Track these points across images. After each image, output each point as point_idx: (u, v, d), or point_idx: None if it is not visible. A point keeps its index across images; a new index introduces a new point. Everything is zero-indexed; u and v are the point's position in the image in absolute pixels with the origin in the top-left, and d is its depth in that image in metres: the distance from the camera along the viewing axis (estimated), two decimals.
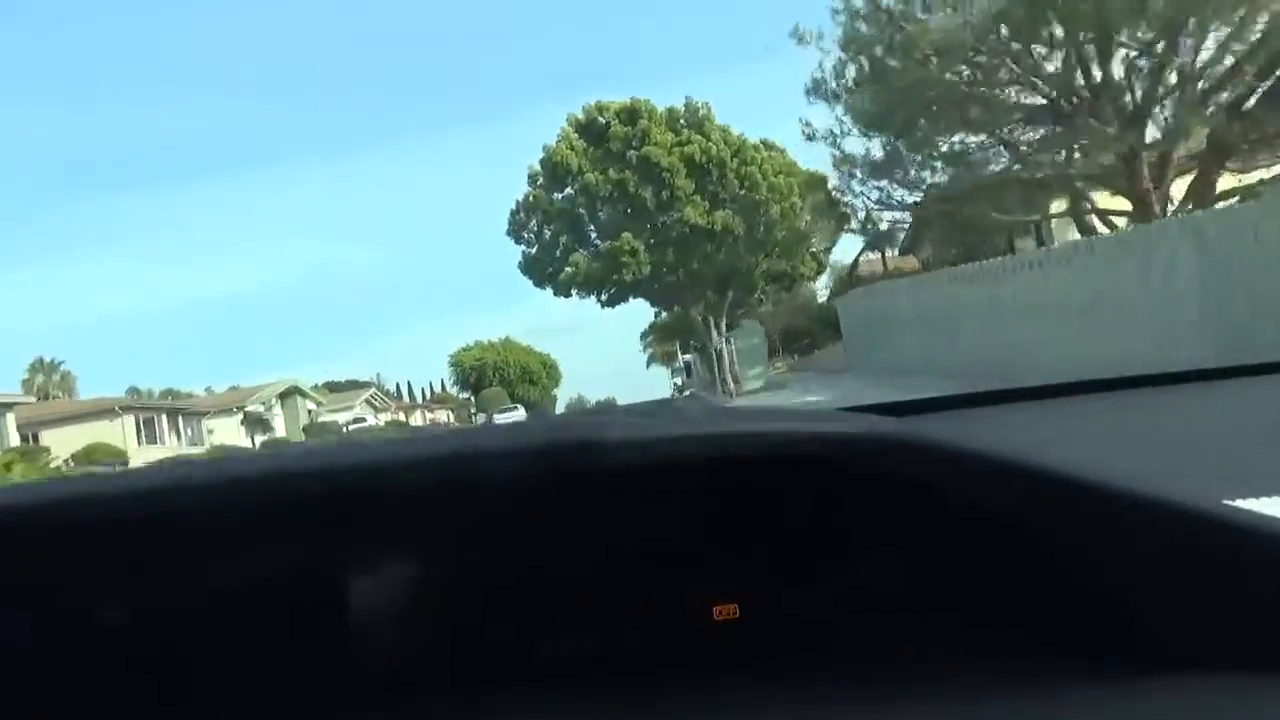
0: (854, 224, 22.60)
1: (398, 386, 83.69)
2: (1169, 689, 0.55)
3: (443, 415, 66.42)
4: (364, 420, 53.41)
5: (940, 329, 16.91)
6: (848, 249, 32.87)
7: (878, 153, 20.70)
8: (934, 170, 20.76)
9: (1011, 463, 0.58)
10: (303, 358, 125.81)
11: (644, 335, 68.46)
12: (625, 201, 29.68)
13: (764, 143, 30.97)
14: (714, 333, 33.19)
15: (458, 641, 0.68)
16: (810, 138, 20.25)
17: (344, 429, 49.13)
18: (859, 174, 21.62)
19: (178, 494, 0.56)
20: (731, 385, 19.91)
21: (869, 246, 28.60)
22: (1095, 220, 18.02)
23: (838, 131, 20.41)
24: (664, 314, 39.47)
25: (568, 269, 31.05)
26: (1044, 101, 17.09)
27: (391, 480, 0.58)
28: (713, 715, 0.62)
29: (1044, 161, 18.21)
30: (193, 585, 0.64)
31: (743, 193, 29.59)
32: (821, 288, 49.32)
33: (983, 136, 19.13)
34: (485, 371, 69.30)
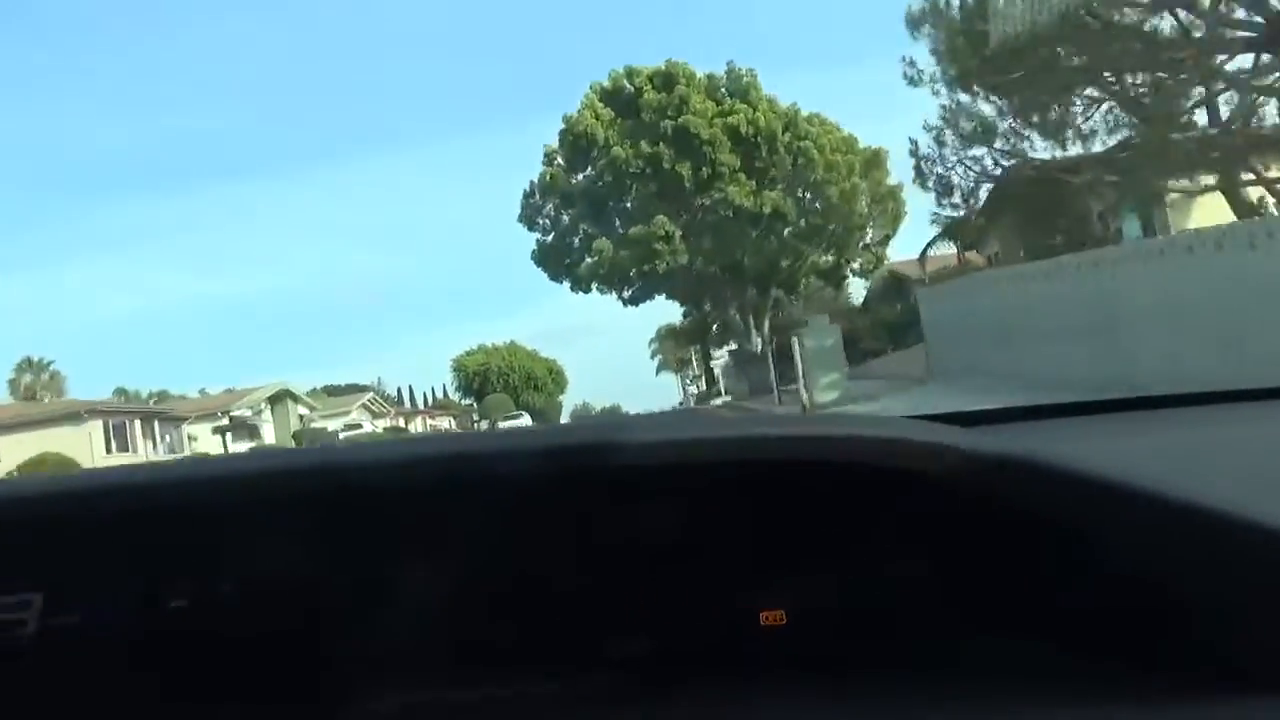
0: (948, 199, 18.56)
1: (399, 392, 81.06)
2: (1219, 706, 0.56)
3: (444, 422, 63.35)
4: (359, 426, 49.94)
5: (1063, 331, 13.09)
6: (903, 245, 29.78)
7: (979, 112, 16.91)
8: (1047, 134, 16.91)
9: (1064, 471, 0.59)
10: (305, 362, 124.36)
11: (653, 341, 65.78)
12: (658, 180, 25.48)
13: (815, 117, 26.82)
14: (754, 334, 29.03)
15: (505, 640, 0.69)
16: (914, 81, 16.32)
17: (337, 436, 45.85)
18: (957, 136, 17.69)
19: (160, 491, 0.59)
20: (804, 395, 15.67)
21: (947, 235, 24.43)
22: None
23: (938, 77, 16.54)
24: (694, 313, 35.15)
25: (589, 259, 26.86)
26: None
27: (430, 478, 0.60)
28: (758, 717, 0.64)
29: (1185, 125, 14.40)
30: (196, 579, 0.66)
31: (796, 171, 25.44)
32: (857, 288, 45.64)
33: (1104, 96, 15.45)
34: (489, 377, 66.96)
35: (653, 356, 67.90)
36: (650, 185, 25.68)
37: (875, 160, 26.49)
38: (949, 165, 18.31)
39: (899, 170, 26.74)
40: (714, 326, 48.61)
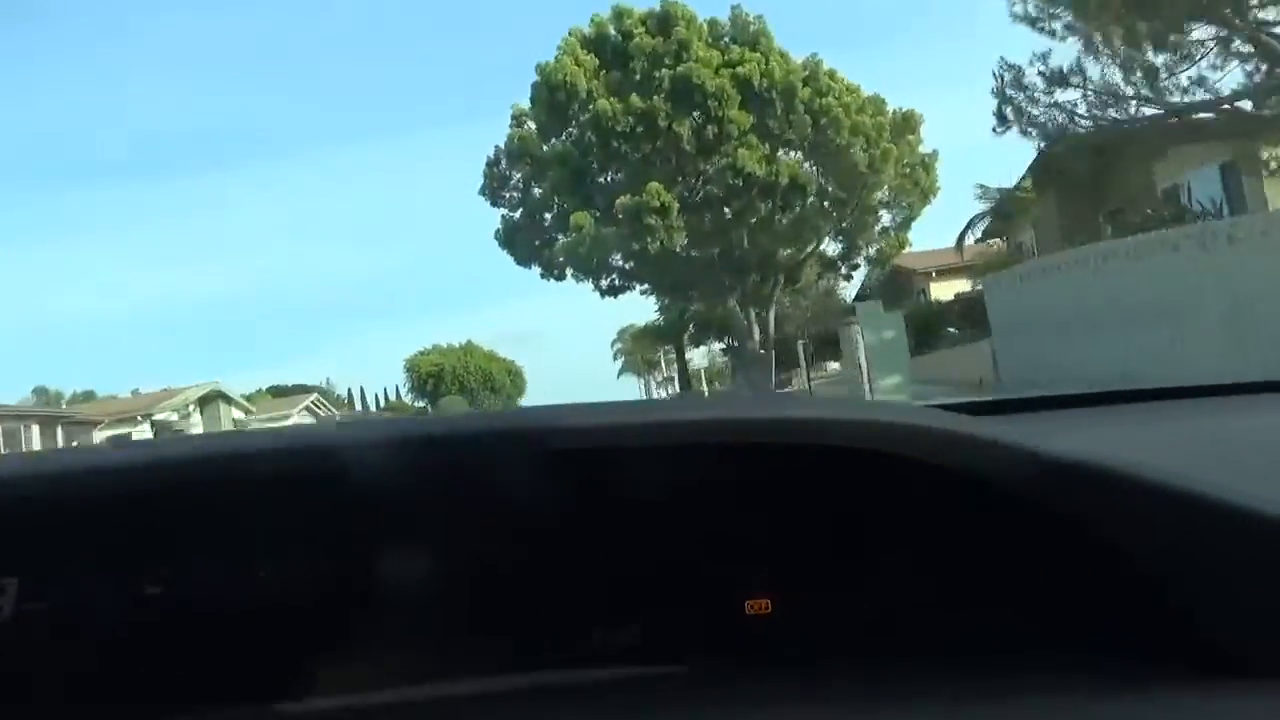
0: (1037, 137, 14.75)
1: (349, 392, 79.54)
2: (1222, 697, 0.56)
3: None
4: None
5: (1168, 317, 9.54)
6: (923, 233, 25.56)
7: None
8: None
9: (1060, 461, 0.57)
10: (252, 361, 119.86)
11: (615, 342, 62.56)
12: (652, 141, 21.05)
13: (834, 72, 22.57)
14: (756, 329, 24.77)
15: (490, 629, 0.68)
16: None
17: None
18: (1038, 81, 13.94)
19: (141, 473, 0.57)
20: (868, 393, 11.58)
21: (995, 213, 20.35)
22: None
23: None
24: (680, 306, 30.75)
25: (565, 237, 22.38)
26: None
27: (410, 461, 0.58)
28: (743, 707, 0.62)
29: None
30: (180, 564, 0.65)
31: (818, 134, 21.21)
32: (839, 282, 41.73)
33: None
34: (444, 378, 63.71)
35: (615, 358, 65.38)
36: (642, 147, 21.26)
37: (907, 124, 22.37)
38: (1042, 105, 14.33)
39: (933, 139, 22.72)
40: (690, 325, 45.01)
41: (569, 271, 24.45)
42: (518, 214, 24.85)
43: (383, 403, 78.48)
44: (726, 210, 22.09)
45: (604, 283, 25.72)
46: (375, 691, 0.66)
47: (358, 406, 75.33)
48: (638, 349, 60.87)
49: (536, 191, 24.08)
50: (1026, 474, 0.58)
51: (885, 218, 24.49)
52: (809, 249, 24.45)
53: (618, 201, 20.51)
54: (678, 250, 21.54)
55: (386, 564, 0.66)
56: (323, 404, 55.39)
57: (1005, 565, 0.65)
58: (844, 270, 26.49)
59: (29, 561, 0.63)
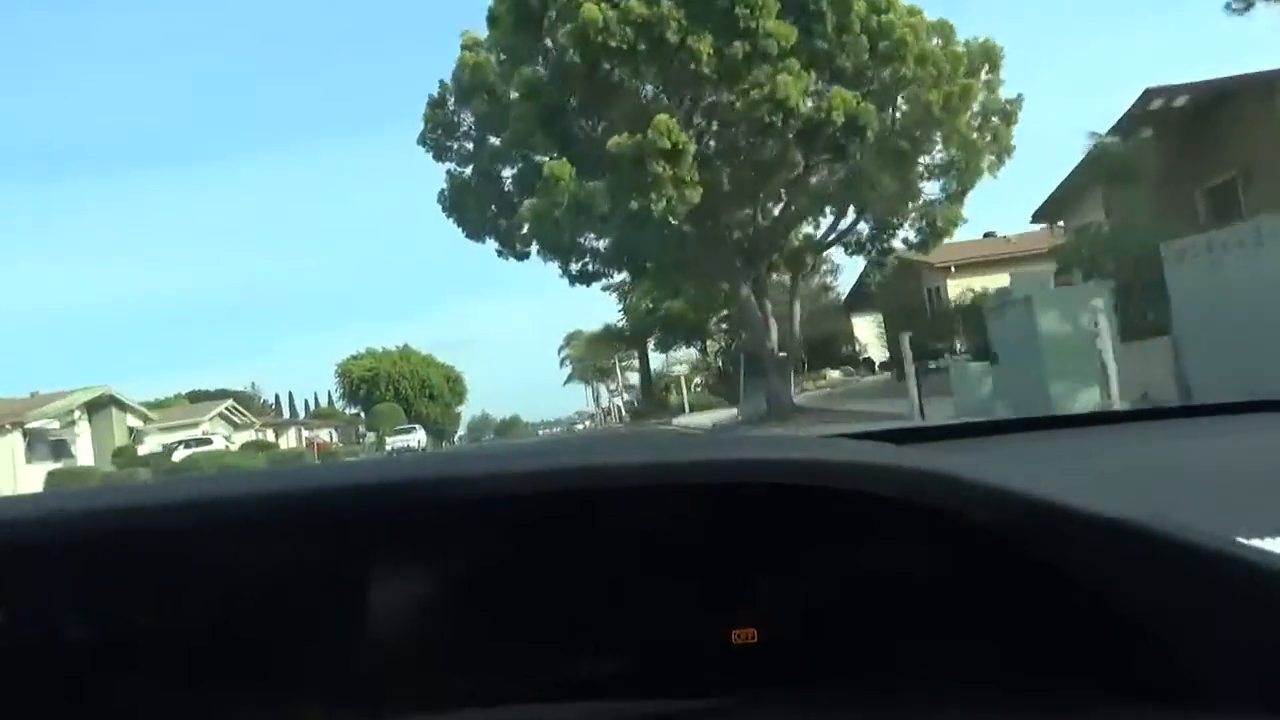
0: None
1: (276, 398, 75.53)
2: None
3: (324, 433, 54.87)
4: (209, 442, 39.79)
5: None
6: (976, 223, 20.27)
7: None
8: None
9: (996, 490, 0.60)
10: (172, 364, 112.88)
11: (562, 348, 58.24)
12: (658, 62, 15.41)
13: None
14: (774, 325, 19.21)
15: (475, 660, 0.69)
16: None
17: (173, 453, 36.30)
18: None
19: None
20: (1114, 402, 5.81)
21: (1103, 170, 15.14)
22: None
23: None
24: (672, 298, 25.11)
25: (533, 198, 16.52)
26: None
27: (397, 500, 0.61)
28: None
29: None
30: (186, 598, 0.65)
31: (876, 61, 15.73)
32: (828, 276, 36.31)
33: None
34: (378, 384, 60.28)
35: (562, 365, 61.13)
36: (645, 70, 15.57)
37: (987, 58, 17.04)
38: None
39: (1015, 80, 17.41)
40: (657, 327, 39.70)
41: (534, 248, 18.69)
42: (468, 170, 19.02)
43: (312, 408, 75.41)
44: (750, 163, 16.53)
45: (575, 266, 20.03)
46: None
47: (285, 413, 71.99)
48: (590, 355, 56.45)
49: (494, 141, 18.27)
50: (995, 512, 0.60)
51: (931, 187, 19.10)
52: (847, 222, 19.00)
53: (611, 143, 14.76)
54: (676, 222, 15.85)
55: (369, 601, 0.67)
56: (238, 410, 50.60)
57: (983, 599, 0.66)
58: (879, 250, 21.01)
59: (16, 593, 0.63)
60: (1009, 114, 17.35)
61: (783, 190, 17.26)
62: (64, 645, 0.64)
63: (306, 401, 79.07)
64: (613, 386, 59.99)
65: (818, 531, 0.67)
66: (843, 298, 36.51)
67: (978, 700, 0.61)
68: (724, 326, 34.09)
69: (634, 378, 54.06)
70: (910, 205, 18.97)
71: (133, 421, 42.58)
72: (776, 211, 18.28)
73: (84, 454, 37.72)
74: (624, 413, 48.92)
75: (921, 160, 17.10)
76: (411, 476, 0.61)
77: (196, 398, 56.61)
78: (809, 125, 14.98)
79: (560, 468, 0.61)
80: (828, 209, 18.92)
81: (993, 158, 17.64)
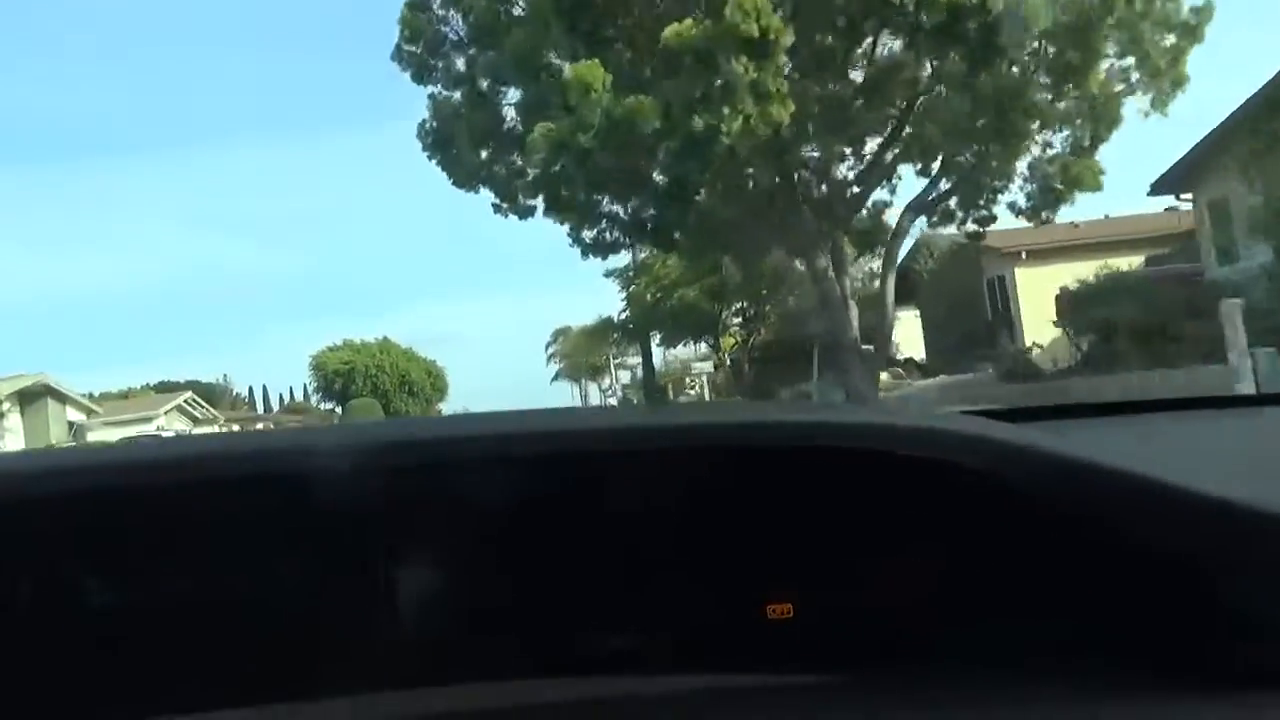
0: None
1: (250, 392, 74.74)
2: (1231, 706, 0.56)
3: None
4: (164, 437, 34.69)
5: None
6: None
7: None
8: None
9: (1085, 465, 0.59)
10: (145, 356, 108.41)
11: (550, 344, 54.14)
12: None
13: None
14: (851, 304, 14.58)
15: (510, 631, 0.68)
16: None
17: None
18: None
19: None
20: None
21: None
22: None
23: None
24: (716, 271, 20.41)
25: (551, 120, 11.78)
26: None
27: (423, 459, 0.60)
28: (764, 712, 0.63)
29: None
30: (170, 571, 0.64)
31: None
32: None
33: None
34: (354, 378, 56.39)
35: (549, 361, 56.74)
36: None
37: None
38: None
39: None
40: (667, 319, 35.35)
41: (542, 195, 13.98)
42: (457, 94, 14.29)
43: (286, 401, 72.98)
44: (847, 83, 11.91)
45: (589, 233, 15.35)
46: (385, 694, 0.64)
47: (259, 407, 71.26)
48: (582, 351, 51.93)
49: (490, 53, 13.57)
50: (1055, 481, 0.59)
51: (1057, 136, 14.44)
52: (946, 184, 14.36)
53: (669, 31, 10.09)
54: (744, 156, 11.24)
55: (380, 568, 0.65)
56: (197, 403, 47.35)
57: (1023, 572, 0.65)
58: (974, 217, 16.35)
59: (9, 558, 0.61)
60: (1194, 27, 12.75)
61: (891, 122, 12.62)
62: (77, 608, 0.62)
63: (281, 395, 76.54)
64: (605, 385, 55.38)
65: (860, 505, 0.65)
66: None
67: (1013, 677, 0.59)
68: (738, 320, 29.75)
69: (627, 376, 49.39)
70: (1018, 161, 14.34)
71: (74, 415, 38.07)
72: (869, 155, 13.63)
73: (13, 448, 33.33)
74: None
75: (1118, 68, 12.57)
76: (434, 435, 0.59)
77: (164, 389, 54.73)
78: (953, 9, 10.31)
79: (639, 425, 0.60)
80: (918, 162, 14.40)
81: (1161, 89, 13.04)
